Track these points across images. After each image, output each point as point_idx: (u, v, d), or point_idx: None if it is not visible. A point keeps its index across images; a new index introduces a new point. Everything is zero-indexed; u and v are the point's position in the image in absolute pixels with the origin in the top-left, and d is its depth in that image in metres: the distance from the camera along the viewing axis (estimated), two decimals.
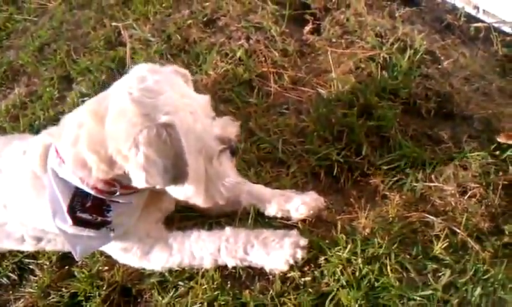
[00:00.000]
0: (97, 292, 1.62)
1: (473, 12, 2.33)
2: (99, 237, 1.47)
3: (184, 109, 1.35)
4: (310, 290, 1.48)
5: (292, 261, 1.50)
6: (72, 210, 1.42)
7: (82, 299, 1.63)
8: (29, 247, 1.70)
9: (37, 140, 1.58)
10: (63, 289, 1.66)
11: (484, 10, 2.29)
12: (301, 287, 1.50)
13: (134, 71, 1.42)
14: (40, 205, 1.50)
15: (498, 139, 1.80)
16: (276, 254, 1.50)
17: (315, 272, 1.52)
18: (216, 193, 1.46)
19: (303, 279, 1.51)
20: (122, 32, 2.61)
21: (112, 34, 2.64)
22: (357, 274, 1.48)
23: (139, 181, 1.33)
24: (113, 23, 2.69)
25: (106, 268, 1.67)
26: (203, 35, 2.44)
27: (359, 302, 1.43)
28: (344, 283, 1.47)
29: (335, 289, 1.47)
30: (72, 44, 2.69)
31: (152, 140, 1.27)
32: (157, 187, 1.38)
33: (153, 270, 1.60)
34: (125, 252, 1.58)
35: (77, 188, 1.42)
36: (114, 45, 2.59)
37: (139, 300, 1.62)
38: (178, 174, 1.32)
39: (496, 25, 2.26)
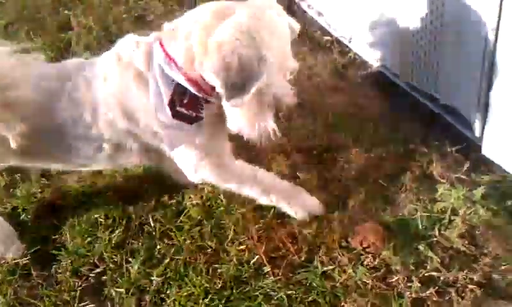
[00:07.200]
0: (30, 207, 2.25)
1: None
2: (192, 130, 1.61)
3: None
4: None
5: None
6: (172, 104, 1.55)
7: (20, 211, 2.25)
8: (102, 158, 1.76)
9: (138, 40, 1.64)
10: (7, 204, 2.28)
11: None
12: None
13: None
14: (142, 101, 1.61)
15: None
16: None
17: None
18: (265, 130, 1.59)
19: None
20: (71, 19, 3.26)
21: (63, 20, 3.28)
22: None
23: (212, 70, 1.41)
24: (65, 11, 3.34)
25: (39, 190, 2.31)
26: (134, 28, 3.07)
27: None
28: None
29: None
30: (30, 25, 3.31)
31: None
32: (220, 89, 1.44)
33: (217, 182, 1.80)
34: (199, 162, 1.70)
35: (177, 84, 1.54)
36: (64, 29, 3.23)
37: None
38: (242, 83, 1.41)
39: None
